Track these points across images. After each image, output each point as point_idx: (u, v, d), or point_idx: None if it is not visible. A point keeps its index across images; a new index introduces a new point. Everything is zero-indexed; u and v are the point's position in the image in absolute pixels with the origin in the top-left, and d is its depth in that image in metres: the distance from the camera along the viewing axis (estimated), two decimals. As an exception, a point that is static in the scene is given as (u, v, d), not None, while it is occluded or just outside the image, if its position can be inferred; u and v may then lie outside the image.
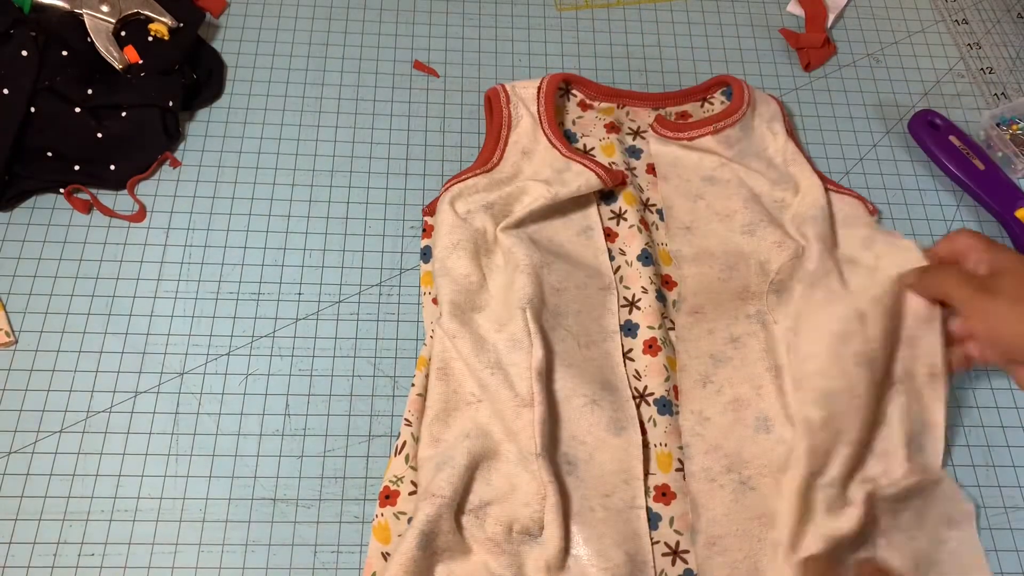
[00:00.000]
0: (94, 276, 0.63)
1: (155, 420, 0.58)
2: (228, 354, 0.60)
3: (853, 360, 0.56)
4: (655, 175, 0.69)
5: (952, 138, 0.72)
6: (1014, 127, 0.72)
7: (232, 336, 0.61)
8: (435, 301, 0.61)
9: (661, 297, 0.63)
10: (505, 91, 0.69)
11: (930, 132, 0.72)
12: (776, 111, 0.71)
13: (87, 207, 0.65)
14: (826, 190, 0.66)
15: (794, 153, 0.68)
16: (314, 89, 0.72)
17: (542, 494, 0.52)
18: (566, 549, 0.52)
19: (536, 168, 0.66)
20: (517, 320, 0.57)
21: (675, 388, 0.59)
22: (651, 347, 0.60)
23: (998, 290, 0.52)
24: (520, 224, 0.63)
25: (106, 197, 0.66)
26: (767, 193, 0.67)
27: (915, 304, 0.58)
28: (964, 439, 0.61)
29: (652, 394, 0.58)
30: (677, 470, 0.56)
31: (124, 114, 0.66)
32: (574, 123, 0.71)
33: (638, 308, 0.61)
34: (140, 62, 0.67)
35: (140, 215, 0.65)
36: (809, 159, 0.70)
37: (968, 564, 0.56)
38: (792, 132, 0.71)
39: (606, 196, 0.67)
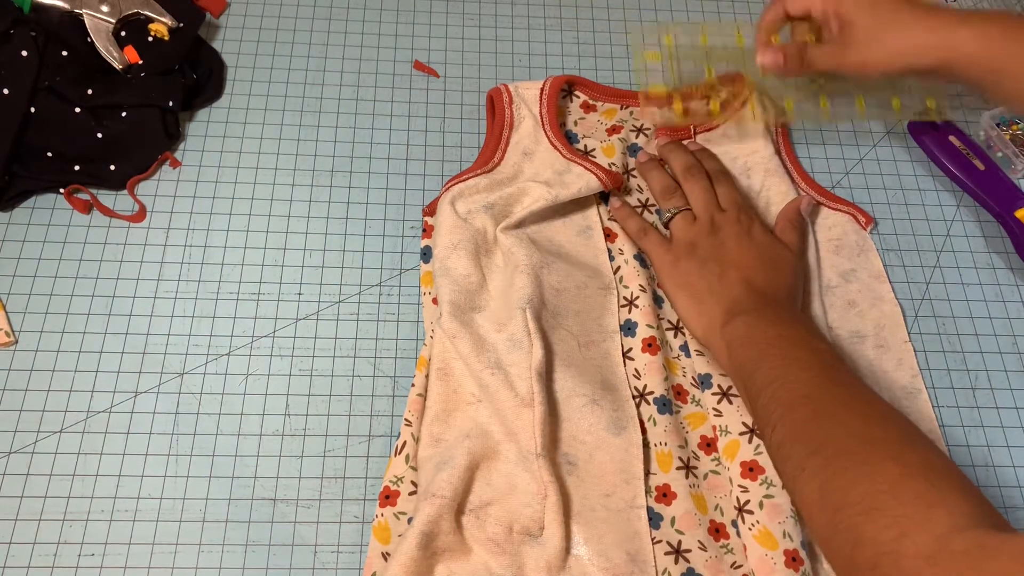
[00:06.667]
0: (94, 276, 0.63)
1: (155, 420, 0.58)
2: (228, 354, 0.60)
3: None
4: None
5: (952, 138, 0.72)
6: (1014, 127, 0.72)
7: (232, 336, 0.61)
8: (435, 301, 0.61)
9: (658, 299, 0.63)
10: (508, 91, 0.69)
11: (930, 132, 0.72)
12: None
13: (87, 207, 0.65)
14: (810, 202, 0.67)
15: (777, 166, 0.68)
16: (314, 89, 0.72)
17: (542, 494, 0.52)
18: (567, 549, 0.52)
19: (537, 169, 0.66)
20: (517, 320, 0.57)
21: (674, 387, 0.59)
22: (650, 346, 0.60)
23: (690, 255, 0.60)
24: (520, 224, 0.63)
25: (106, 197, 0.66)
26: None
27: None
28: (964, 439, 0.61)
29: (652, 393, 0.58)
30: (678, 469, 0.55)
31: (124, 114, 0.66)
32: (576, 124, 0.71)
33: (636, 307, 0.61)
34: (140, 62, 0.67)
35: (140, 215, 0.65)
36: (800, 167, 0.70)
37: None
38: (786, 136, 0.71)
39: (606, 196, 0.67)
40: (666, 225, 0.64)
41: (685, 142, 0.69)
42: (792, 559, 0.51)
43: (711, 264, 0.59)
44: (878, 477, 0.43)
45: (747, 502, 0.54)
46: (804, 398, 0.49)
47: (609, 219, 0.66)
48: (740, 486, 0.55)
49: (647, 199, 0.68)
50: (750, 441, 0.56)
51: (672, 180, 0.65)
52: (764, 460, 0.55)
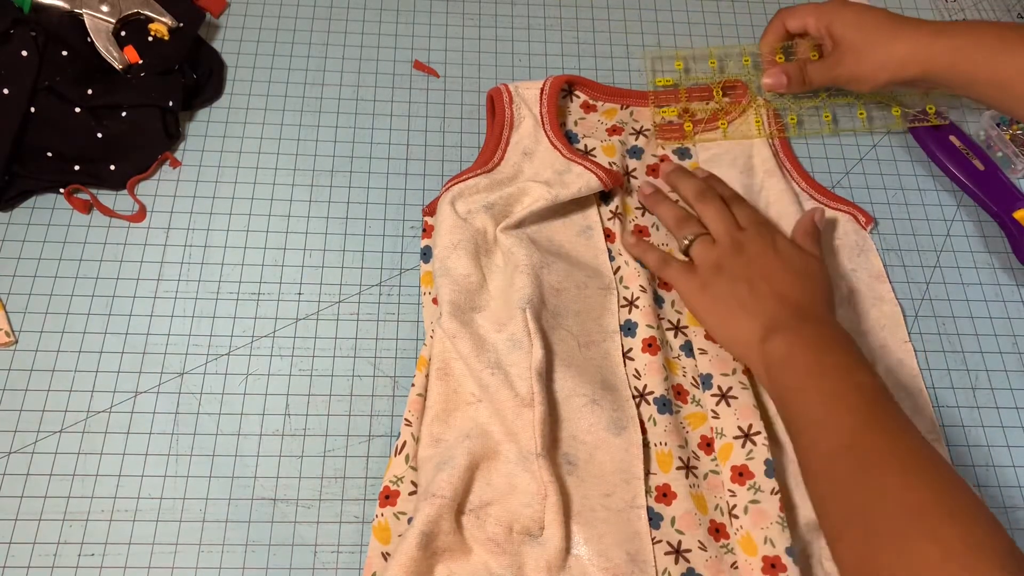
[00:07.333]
0: (94, 276, 0.63)
1: (155, 420, 0.58)
2: (228, 354, 0.60)
3: None
4: (656, 176, 0.69)
5: (952, 138, 0.72)
6: (1014, 127, 0.72)
7: (232, 336, 0.61)
8: (435, 301, 0.61)
9: (659, 300, 0.63)
10: (508, 91, 0.69)
11: (930, 132, 0.72)
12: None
13: (87, 207, 0.65)
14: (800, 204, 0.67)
15: (775, 166, 0.68)
16: (314, 89, 0.72)
17: (542, 494, 0.52)
18: (567, 549, 0.52)
19: (537, 169, 0.66)
20: (517, 320, 0.57)
21: (674, 387, 0.59)
22: (650, 346, 0.60)
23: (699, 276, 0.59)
24: (520, 224, 0.63)
25: (106, 197, 0.66)
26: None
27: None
28: (964, 439, 0.61)
29: (652, 393, 0.58)
30: (678, 469, 0.55)
31: (124, 114, 0.66)
32: (576, 124, 0.71)
33: (636, 307, 0.61)
34: (140, 62, 0.67)
35: (140, 215, 0.65)
36: (800, 167, 0.70)
37: None
38: (785, 140, 0.71)
39: (605, 196, 0.67)
40: (686, 253, 0.61)
41: (688, 164, 0.69)
42: (771, 566, 0.51)
43: (740, 283, 0.57)
44: (915, 562, 0.42)
45: (734, 506, 0.54)
46: (845, 449, 0.48)
47: (624, 249, 0.64)
48: (729, 490, 0.54)
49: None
50: (743, 446, 0.55)
51: (683, 209, 0.64)
52: (754, 466, 0.54)
